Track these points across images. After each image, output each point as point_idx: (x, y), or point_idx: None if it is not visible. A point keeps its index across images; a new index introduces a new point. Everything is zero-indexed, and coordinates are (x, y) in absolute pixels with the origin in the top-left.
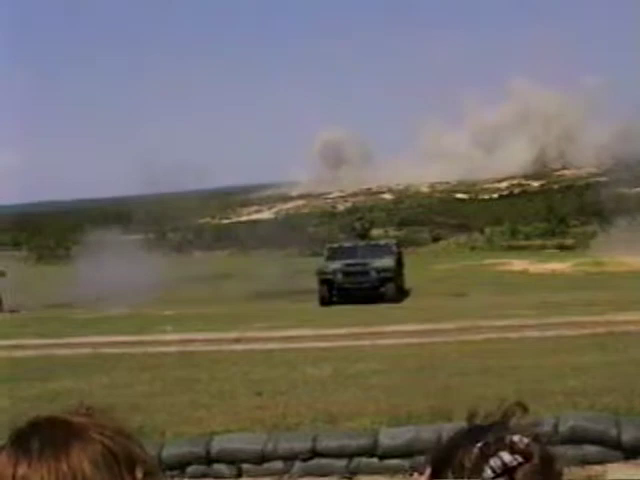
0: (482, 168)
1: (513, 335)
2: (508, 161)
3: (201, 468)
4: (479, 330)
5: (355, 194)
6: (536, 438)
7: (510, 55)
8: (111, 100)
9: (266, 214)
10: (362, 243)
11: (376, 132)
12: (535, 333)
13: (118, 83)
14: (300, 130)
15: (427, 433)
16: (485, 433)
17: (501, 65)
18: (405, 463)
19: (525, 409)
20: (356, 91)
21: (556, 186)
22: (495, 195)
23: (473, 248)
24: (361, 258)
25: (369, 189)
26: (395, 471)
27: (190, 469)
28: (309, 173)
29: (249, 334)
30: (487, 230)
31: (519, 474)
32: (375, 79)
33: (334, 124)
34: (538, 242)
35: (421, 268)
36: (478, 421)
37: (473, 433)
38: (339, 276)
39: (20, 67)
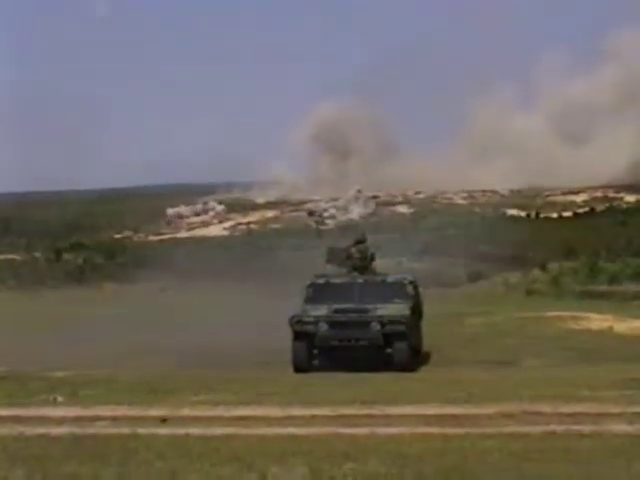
0: (557, 170)
1: (588, 428)
2: (601, 160)
3: None
4: (535, 418)
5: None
6: None
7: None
8: None
9: (216, 229)
10: (361, 279)
11: (403, 109)
12: (622, 426)
13: None
14: (289, 103)
15: None
16: None
17: (595, 15)
18: None
19: None
20: (369, 49)
21: None
22: (567, 213)
23: (530, 293)
24: (359, 301)
25: (375, 197)
26: None
27: None
28: (294, 169)
29: (181, 412)
30: (553, 266)
31: None
32: (397, 30)
33: (337, 94)
34: (630, 288)
35: (450, 320)
36: None
37: None
38: (324, 328)
39: None
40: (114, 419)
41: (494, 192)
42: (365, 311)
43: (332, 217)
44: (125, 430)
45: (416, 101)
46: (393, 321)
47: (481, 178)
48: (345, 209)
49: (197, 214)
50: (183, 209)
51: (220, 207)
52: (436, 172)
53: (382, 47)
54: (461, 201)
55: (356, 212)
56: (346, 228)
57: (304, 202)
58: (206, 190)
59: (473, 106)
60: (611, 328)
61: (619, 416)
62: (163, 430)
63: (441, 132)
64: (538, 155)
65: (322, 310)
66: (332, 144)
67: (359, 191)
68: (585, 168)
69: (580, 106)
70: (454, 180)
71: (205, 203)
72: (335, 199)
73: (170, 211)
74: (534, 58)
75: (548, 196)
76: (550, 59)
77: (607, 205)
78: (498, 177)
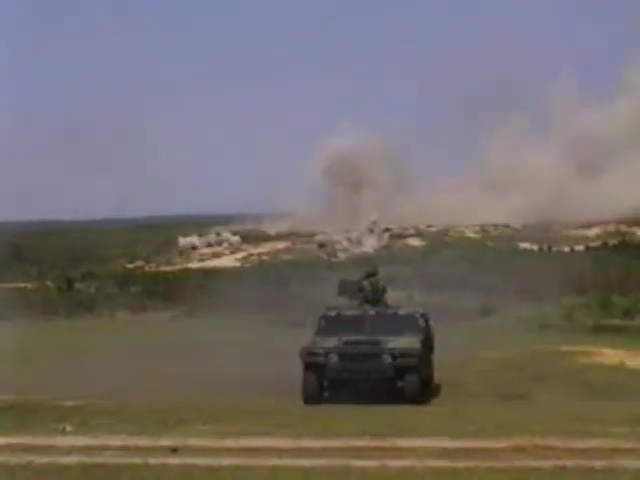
0: (571, 204)
1: (600, 464)
2: (615, 194)
3: None
4: (547, 453)
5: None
6: None
7: (627, 32)
8: None
9: (228, 260)
10: (372, 311)
11: (417, 142)
12: (634, 462)
13: None
14: (303, 134)
15: None
16: None
17: (610, 46)
18: None
19: None
20: (389, 83)
21: None
22: (579, 247)
23: (543, 327)
24: (370, 334)
25: (388, 229)
26: None
27: None
28: (307, 201)
29: (190, 442)
30: (565, 300)
31: None
32: (417, 66)
33: (351, 127)
34: None
35: (461, 353)
36: None
37: None
38: (335, 360)
39: None
40: (124, 449)
41: (506, 226)
42: (376, 343)
43: (344, 250)
44: (136, 460)
45: (429, 134)
46: (404, 354)
47: (494, 211)
48: (358, 241)
49: (210, 245)
50: (196, 239)
51: (235, 238)
52: (448, 205)
53: (396, 81)
54: (473, 234)
55: (369, 244)
56: (358, 260)
57: (315, 234)
58: (219, 221)
59: (487, 139)
60: (623, 363)
61: (631, 452)
62: (174, 460)
63: (455, 165)
64: (551, 188)
65: (333, 342)
66: (345, 176)
67: (374, 222)
68: (599, 202)
69: (594, 139)
70: (466, 213)
71: (219, 234)
72: (347, 231)
73: (182, 241)
74: (548, 90)
75: (560, 230)
76: (564, 91)
77: (620, 239)
78: (511, 210)
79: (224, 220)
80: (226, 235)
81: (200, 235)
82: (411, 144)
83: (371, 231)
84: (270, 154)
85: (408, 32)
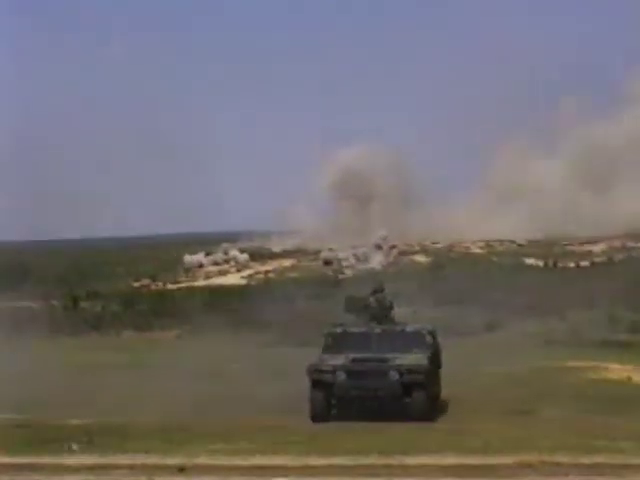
0: (577, 219)
1: (608, 479)
2: (621, 209)
3: None
4: (554, 469)
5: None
6: None
7: (635, 45)
8: None
9: (234, 278)
10: (379, 328)
11: (423, 158)
12: None
13: None
14: (310, 150)
15: None
16: None
17: (616, 60)
18: None
19: None
20: (397, 98)
21: None
22: (585, 262)
23: (549, 342)
24: (377, 351)
25: (393, 246)
26: None
27: None
28: (315, 217)
29: (198, 461)
30: (571, 315)
31: None
32: (425, 83)
33: (360, 141)
34: None
35: (468, 369)
36: None
37: None
38: (342, 377)
39: None
40: (131, 467)
41: (512, 241)
42: (383, 360)
43: (350, 266)
44: (142, 479)
45: (438, 149)
46: (412, 371)
47: (500, 227)
48: (366, 258)
49: (217, 263)
50: (202, 257)
51: (243, 256)
52: (454, 221)
53: (403, 96)
54: (478, 250)
55: (377, 261)
56: (364, 277)
57: (321, 251)
58: (227, 238)
59: (493, 154)
60: (630, 378)
61: (639, 467)
62: (180, 479)
63: (462, 180)
64: (557, 203)
65: (340, 359)
66: (353, 191)
67: (384, 238)
68: (605, 217)
69: (600, 154)
70: (472, 229)
71: (226, 252)
72: (354, 247)
73: (188, 259)
74: (553, 104)
75: (566, 245)
76: (571, 106)
77: (626, 255)
78: (516, 226)
79: (232, 238)
80: (234, 253)
81: (207, 254)
82: (419, 158)
83: (379, 247)
84: (277, 170)
85: (418, 46)
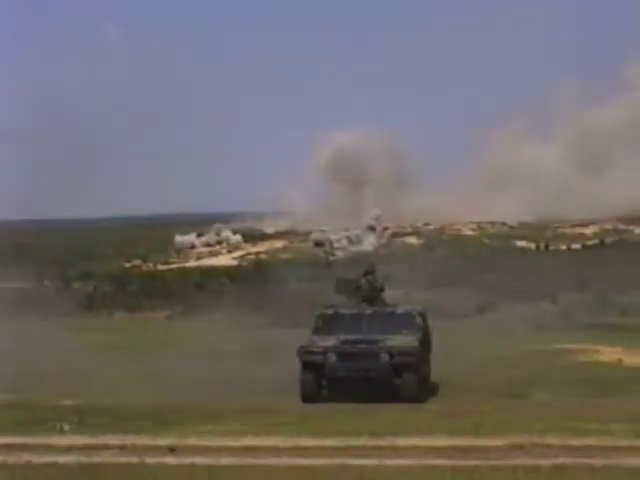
0: (571, 202)
1: (598, 461)
2: (615, 192)
3: None
4: (545, 451)
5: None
6: None
7: (629, 29)
8: None
9: (225, 259)
10: (370, 310)
11: (418, 140)
12: (632, 460)
13: None
14: (305, 131)
15: None
16: None
17: (611, 44)
18: None
19: None
20: (392, 80)
21: None
22: (576, 245)
23: (540, 325)
24: (367, 332)
25: (386, 228)
26: None
27: None
28: (307, 199)
29: (189, 441)
30: (562, 298)
31: None
32: (420, 66)
33: (355, 123)
34: None
35: (458, 352)
36: None
37: None
38: (333, 359)
39: None
40: (122, 448)
41: (503, 224)
42: (374, 342)
43: (342, 248)
44: (133, 459)
45: (432, 131)
46: (402, 352)
47: (493, 209)
48: (359, 240)
49: (209, 244)
50: (193, 238)
51: (236, 237)
52: (448, 204)
53: (398, 77)
54: (470, 232)
55: (369, 242)
56: (355, 259)
57: (313, 232)
58: (220, 219)
59: (488, 137)
60: (621, 361)
61: (629, 449)
62: (171, 459)
63: (457, 163)
64: (551, 186)
65: (331, 341)
66: (347, 174)
67: (377, 218)
68: (597, 200)
69: (594, 138)
70: (465, 211)
71: (218, 233)
72: (347, 229)
73: (179, 239)
74: (550, 88)
75: (557, 228)
76: (565, 89)
77: (617, 238)
78: (510, 208)
79: (225, 219)
80: (227, 234)
81: (199, 234)
82: (414, 141)
83: (372, 228)
84: (272, 151)
85: (412, 31)
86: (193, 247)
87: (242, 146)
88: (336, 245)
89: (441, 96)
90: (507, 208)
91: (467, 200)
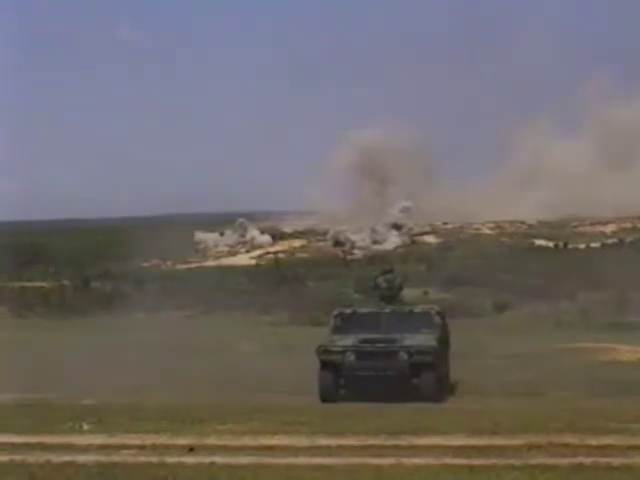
0: (596, 199)
1: (617, 461)
2: (632, 191)
3: None
4: (563, 450)
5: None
6: None
7: None
8: None
9: (244, 258)
10: (388, 309)
11: (445, 139)
12: None
13: None
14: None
15: None
16: None
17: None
18: None
19: None
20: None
21: None
22: (596, 244)
23: (559, 323)
24: (386, 332)
25: (409, 229)
26: None
27: None
28: (330, 198)
29: (208, 441)
30: (581, 297)
31: None
32: (445, 63)
33: (377, 122)
34: None
35: (477, 351)
36: None
37: None
38: (351, 358)
39: None
40: (141, 447)
41: (522, 222)
42: (392, 341)
43: (364, 248)
44: (152, 459)
45: (458, 130)
46: (420, 351)
47: (516, 208)
48: (383, 239)
49: (233, 244)
50: (217, 237)
51: (265, 237)
52: (468, 202)
53: (425, 76)
54: (489, 231)
55: (392, 241)
56: (374, 258)
57: (332, 231)
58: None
59: (513, 136)
60: None
61: None
62: (190, 459)
63: (483, 162)
64: (576, 185)
65: (349, 340)
66: (372, 172)
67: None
68: (616, 198)
69: (622, 135)
70: (489, 211)
71: (242, 235)
72: (370, 228)
73: (200, 238)
74: (578, 86)
75: (576, 227)
76: (593, 87)
77: (637, 236)
78: (530, 207)
79: (248, 217)
80: (253, 233)
81: (221, 234)
82: (440, 140)
83: (397, 227)
84: (296, 150)
85: (438, 25)
86: (216, 246)
87: (268, 143)
88: (359, 244)
89: (465, 94)
90: (527, 207)
91: (491, 199)
